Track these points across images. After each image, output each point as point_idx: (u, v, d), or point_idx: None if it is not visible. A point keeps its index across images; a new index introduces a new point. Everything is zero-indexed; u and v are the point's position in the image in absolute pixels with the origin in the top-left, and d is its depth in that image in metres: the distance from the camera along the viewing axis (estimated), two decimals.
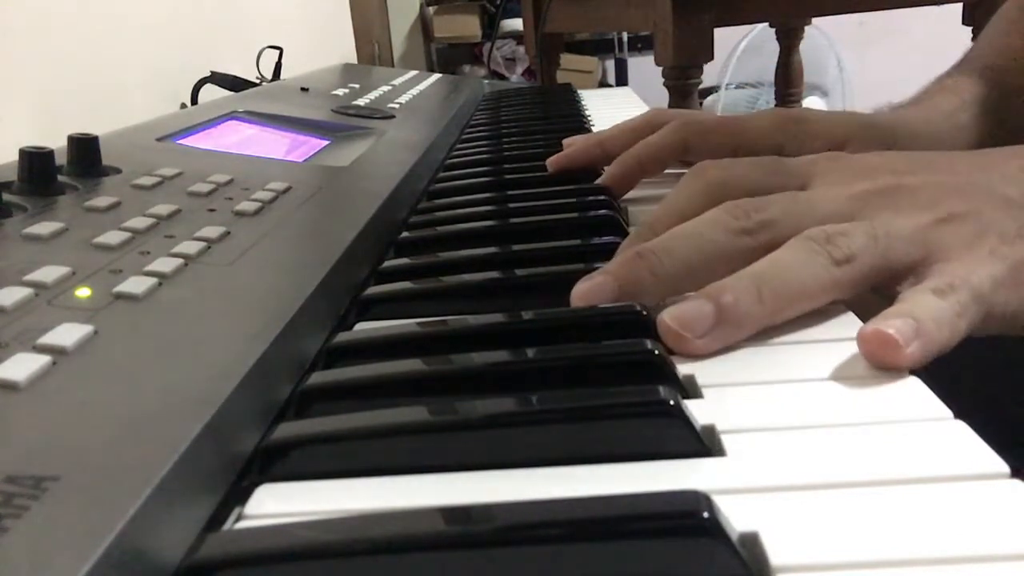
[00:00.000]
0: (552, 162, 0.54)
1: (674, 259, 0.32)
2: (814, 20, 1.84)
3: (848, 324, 0.31)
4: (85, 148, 0.42)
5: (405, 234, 0.46)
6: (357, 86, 0.86)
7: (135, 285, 0.30)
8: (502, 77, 3.03)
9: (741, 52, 2.62)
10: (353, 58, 1.99)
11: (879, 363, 0.27)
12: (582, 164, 0.54)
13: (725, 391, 0.27)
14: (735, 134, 0.49)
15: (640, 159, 0.49)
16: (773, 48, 1.73)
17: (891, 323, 0.27)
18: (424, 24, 3.28)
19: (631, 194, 0.51)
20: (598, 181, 0.50)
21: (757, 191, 0.35)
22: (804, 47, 1.71)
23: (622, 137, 0.53)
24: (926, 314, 0.28)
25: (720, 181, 0.36)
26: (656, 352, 0.27)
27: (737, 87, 2.70)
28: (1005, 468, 0.22)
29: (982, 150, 0.37)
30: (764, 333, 0.30)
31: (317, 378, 0.29)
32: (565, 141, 0.57)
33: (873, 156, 0.37)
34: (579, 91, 1.05)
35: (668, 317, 0.30)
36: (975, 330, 0.29)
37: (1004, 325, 0.30)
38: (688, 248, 0.33)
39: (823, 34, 2.60)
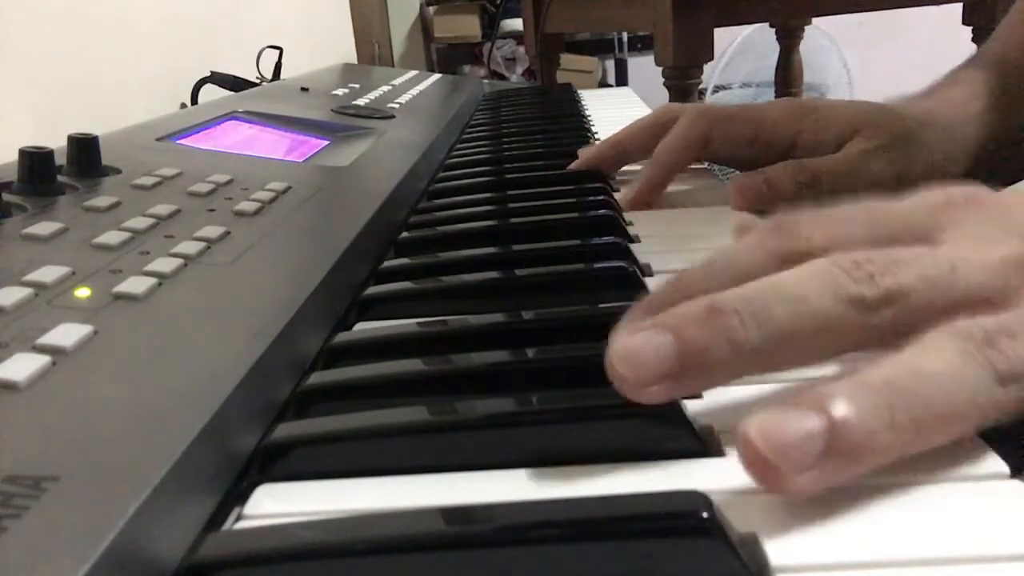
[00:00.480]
0: (571, 170, 0.54)
1: (767, 327, 0.22)
2: (814, 20, 1.84)
3: None
4: (85, 148, 0.42)
5: (405, 234, 0.46)
6: (357, 86, 0.86)
7: (135, 285, 0.30)
8: (502, 77, 3.03)
9: (733, 53, 2.62)
10: (353, 58, 1.99)
11: None
12: (598, 167, 0.54)
13: (725, 391, 0.27)
14: (753, 121, 0.49)
15: (668, 165, 0.49)
16: (765, 49, 1.73)
17: None
18: (424, 24, 3.28)
19: None
20: (625, 195, 0.50)
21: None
22: (804, 47, 1.71)
23: (636, 135, 0.53)
24: None
25: (817, 248, 0.25)
26: None
27: (729, 88, 2.70)
28: (1005, 468, 0.22)
29: None
30: None
31: (317, 378, 0.29)
32: (580, 152, 0.57)
33: (1014, 197, 0.27)
34: (579, 91, 1.05)
35: (756, 432, 0.20)
36: None
37: None
38: (787, 314, 0.22)
39: (825, 35, 2.60)
